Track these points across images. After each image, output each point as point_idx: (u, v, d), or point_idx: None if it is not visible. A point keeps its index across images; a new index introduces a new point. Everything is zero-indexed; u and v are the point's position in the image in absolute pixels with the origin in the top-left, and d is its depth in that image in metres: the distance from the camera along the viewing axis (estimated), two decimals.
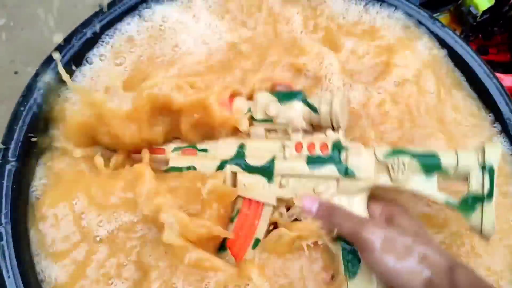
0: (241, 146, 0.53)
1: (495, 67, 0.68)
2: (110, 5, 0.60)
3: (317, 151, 0.49)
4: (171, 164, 0.56)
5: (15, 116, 0.54)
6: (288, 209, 0.52)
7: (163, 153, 0.57)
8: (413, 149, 0.46)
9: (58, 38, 0.58)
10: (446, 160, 0.44)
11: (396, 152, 0.46)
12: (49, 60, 0.57)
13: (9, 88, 0.83)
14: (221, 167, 0.53)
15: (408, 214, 0.47)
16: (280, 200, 0.51)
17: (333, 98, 0.49)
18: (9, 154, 0.53)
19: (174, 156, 0.56)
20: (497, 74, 0.58)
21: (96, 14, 0.60)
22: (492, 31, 0.90)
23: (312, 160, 0.49)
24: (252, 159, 0.52)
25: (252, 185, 0.52)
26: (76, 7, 1.14)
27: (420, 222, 0.47)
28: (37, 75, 0.56)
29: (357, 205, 0.48)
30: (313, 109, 0.50)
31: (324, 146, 0.49)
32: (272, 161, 0.51)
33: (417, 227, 0.45)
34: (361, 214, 0.47)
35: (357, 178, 0.47)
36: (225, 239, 0.53)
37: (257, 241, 0.52)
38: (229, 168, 0.53)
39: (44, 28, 0.70)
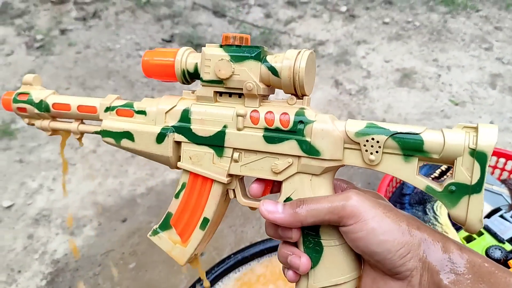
0: (186, 111, 0.45)
1: None
2: None
3: (276, 123, 0.41)
4: (103, 126, 0.49)
5: None
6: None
7: (94, 111, 0.50)
8: (391, 126, 0.38)
9: None
10: (430, 140, 0.37)
11: (370, 128, 0.39)
12: None
13: None
14: (162, 135, 0.46)
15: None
16: (232, 176, 0.45)
17: (297, 57, 0.41)
18: None
19: (107, 116, 0.49)
20: None
21: None
22: None
23: (270, 134, 0.42)
24: (199, 128, 0.44)
25: (199, 158, 0.45)
26: None
27: None
28: None
29: (321, 185, 0.41)
30: (273, 70, 0.41)
31: (285, 116, 0.41)
32: (222, 132, 0.43)
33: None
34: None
35: (322, 158, 0.40)
36: (168, 216, 0.48)
37: (206, 221, 0.46)
38: (172, 137, 0.45)
39: None
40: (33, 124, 0.55)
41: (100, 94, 2.24)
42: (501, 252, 0.95)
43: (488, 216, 1.10)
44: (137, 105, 0.48)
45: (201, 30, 2.83)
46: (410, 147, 0.37)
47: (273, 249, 0.97)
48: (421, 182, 0.38)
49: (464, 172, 0.36)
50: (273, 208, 0.40)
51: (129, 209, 1.61)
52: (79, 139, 0.54)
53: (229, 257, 0.97)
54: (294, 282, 0.43)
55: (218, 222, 0.50)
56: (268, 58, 0.42)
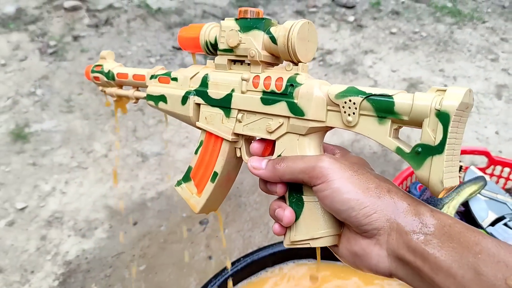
0: (205, 77, 0.52)
1: None
2: None
3: (272, 86, 0.46)
4: (147, 91, 0.58)
5: None
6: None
7: (143, 79, 0.60)
8: (368, 89, 0.40)
9: None
10: (400, 101, 0.38)
11: (348, 91, 0.41)
12: None
13: None
14: (185, 98, 0.53)
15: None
16: (238, 135, 0.50)
17: (292, 26, 0.44)
18: None
19: (151, 83, 0.58)
20: None
21: None
22: None
23: (266, 96, 0.46)
24: (213, 91, 0.51)
25: (212, 118, 0.51)
26: None
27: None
28: None
29: (308, 145, 0.44)
30: (272, 39, 0.46)
31: (279, 80, 0.45)
32: (230, 95, 0.49)
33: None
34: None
35: (306, 118, 0.43)
36: (189, 169, 0.55)
37: (215, 174, 0.52)
38: (192, 99, 0.52)
39: None
40: (104, 92, 0.68)
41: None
42: None
43: (493, 224, 1.12)
44: (173, 74, 0.56)
45: None
46: (383, 108, 0.39)
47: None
48: (392, 143, 0.39)
49: (430, 133, 0.36)
50: (257, 164, 0.45)
51: (139, 212, 1.64)
52: (134, 103, 0.65)
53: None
54: (279, 234, 0.46)
55: (229, 180, 0.55)
56: (271, 28, 0.46)
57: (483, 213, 1.16)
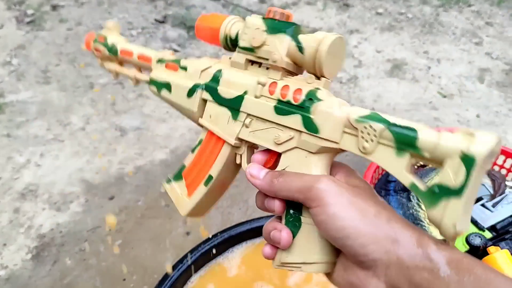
0: (217, 73, 0.48)
1: None
2: None
3: (289, 96, 0.42)
4: (152, 75, 0.54)
5: None
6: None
7: (149, 62, 0.56)
8: (392, 118, 0.38)
9: None
10: (425, 137, 0.35)
11: (371, 117, 0.38)
12: None
13: None
14: (192, 90, 0.49)
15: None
16: (242, 141, 0.47)
17: (323, 39, 0.41)
18: None
19: (158, 67, 0.55)
20: None
21: None
22: None
23: (281, 105, 0.43)
24: (224, 90, 0.47)
25: (217, 118, 0.48)
26: None
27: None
28: None
29: (315, 165, 0.41)
30: (299, 47, 0.42)
31: (297, 92, 0.42)
32: (241, 97, 0.45)
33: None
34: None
35: (320, 136, 0.40)
36: (181, 168, 0.52)
37: (210, 178, 0.49)
38: (200, 93, 0.49)
39: None
40: (103, 66, 0.64)
41: (91, 72, 2.22)
42: (481, 239, 0.98)
43: None
44: (182, 62, 0.52)
45: (194, 13, 2.81)
46: (404, 141, 0.36)
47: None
48: (407, 179, 0.37)
49: (450, 174, 0.34)
50: (256, 173, 0.43)
51: (116, 187, 1.61)
52: (134, 84, 0.61)
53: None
54: (269, 258, 0.43)
55: (223, 186, 0.52)
56: (300, 36, 0.43)
57: None
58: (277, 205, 0.42)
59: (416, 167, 1.32)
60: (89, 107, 2.01)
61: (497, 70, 2.46)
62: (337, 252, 0.41)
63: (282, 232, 0.41)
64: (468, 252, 0.97)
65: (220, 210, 1.52)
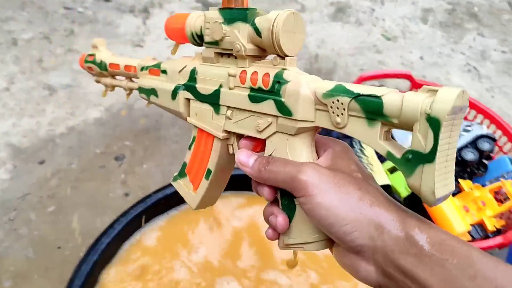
0: (193, 71, 0.50)
1: None
2: None
3: (259, 83, 0.43)
4: (139, 83, 0.57)
5: None
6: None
7: (135, 71, 0.58)
8: (356, 88, 0.37)
9: None
10: (389, 102, 0.34)
11: (336, 90, 0.37)
12: None
13: None
14: (175, 92, 0.51)
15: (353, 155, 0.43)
16: (228, 132, 0.48)
17: (276, 18, 0.40)
18: None
19: (142, 74, 0.57)
20: None
21: None
22: None
23: (254, 93, 0.43)
24: (202, 87, 0.49)
25: (202, 114, 0.49)
26: None
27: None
28: None
29: (298, 145, 0.42)
30: (257, 31, 0.42)
31: (266, 76, 0.42)
32: (218, 91, 0.47)
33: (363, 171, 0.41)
34: (304, 156, 0.42)
35: (294, 118, 0.40)
36: (184, 165, 0.54)
37: (209, 172, 0.51)
38: (182, 94, 0.51)
39: None
40: (99, 82, 0.67)
41: (13, 26, 2.03)
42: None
43: None
44: (162, 65, 0.54)
45: None
46: (372, 110, 0.35)
47: None
48: (383, 147, 0.36)
49: (420, 139, 0.33)
50: (245, 161, 0.43)
51: (47, 150, 1.50)
52: (127, 95, 0.64)
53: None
54: (273, 239, 0.45)
55: (224, 175, 0.53)
56: (256, 19, 0.42)
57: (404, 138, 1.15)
58: (266, 192, 0.43)
59: None
60: (13, 64, 1.85)
61: (440, 10, 2.44)
62: None
63: (278, 218, 0.42)
64: None
65: (160, 168, 1.45)
